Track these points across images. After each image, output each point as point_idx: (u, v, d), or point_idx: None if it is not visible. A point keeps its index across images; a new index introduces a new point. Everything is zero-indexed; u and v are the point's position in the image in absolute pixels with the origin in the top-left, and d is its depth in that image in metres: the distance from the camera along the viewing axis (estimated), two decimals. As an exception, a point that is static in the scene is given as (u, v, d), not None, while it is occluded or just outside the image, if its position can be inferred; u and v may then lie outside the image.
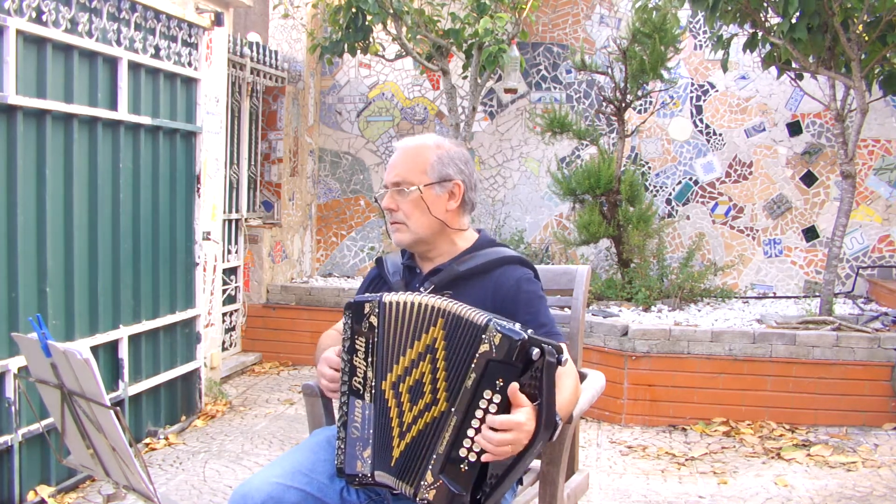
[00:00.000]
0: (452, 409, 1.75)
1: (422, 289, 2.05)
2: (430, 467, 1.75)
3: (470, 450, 1.72)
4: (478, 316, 1.78)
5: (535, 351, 1.71)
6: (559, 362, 1.76)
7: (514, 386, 1.70)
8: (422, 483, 1.75)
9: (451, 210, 2.12)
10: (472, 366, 1.73)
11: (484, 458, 1.71)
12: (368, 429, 1.87)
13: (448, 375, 1.78)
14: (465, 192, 2.13)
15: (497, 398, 1.71)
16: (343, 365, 1.93)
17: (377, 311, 1.89)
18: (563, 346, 1.86)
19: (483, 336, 1.73)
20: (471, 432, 1.72)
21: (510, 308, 2.02)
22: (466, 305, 1.84)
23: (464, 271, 2.08)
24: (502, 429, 1.69)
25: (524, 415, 1.71)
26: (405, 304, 1.87)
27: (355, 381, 1.90)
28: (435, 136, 2.17)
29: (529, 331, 1.74)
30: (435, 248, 2.14)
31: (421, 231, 2.09)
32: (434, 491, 1.74)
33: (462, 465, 1.72)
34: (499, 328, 1.72)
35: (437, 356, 1.81)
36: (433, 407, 1.79)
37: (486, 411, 1.71)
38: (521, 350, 1.70)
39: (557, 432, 1.81)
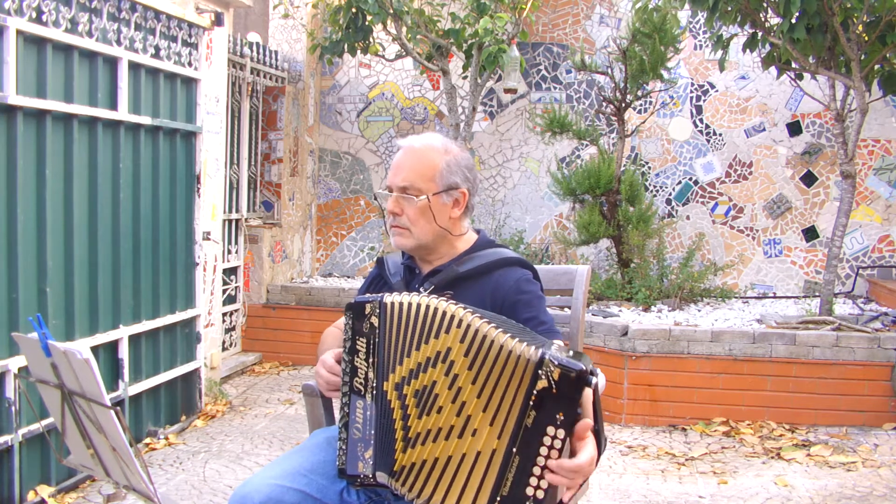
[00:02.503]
0: (514, 450, 1.69)
1: (421, 289, 2.04)
2: None
3: (537, 487, 1.68)
4: (523, 346, 1.70)
5: (593, 380, 1.66)
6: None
7: (587, 423, 1.66)
8: None
9: (455, 217, 2.11)
10: (531, 403, 1.68)
11: (566, 497, 1.68)
12: (370, 430, 1.87)
13: (488, 405, 1.72)
14: (469, 198, 2.12)
15: (561, 433, 1.66)
16: (344, 366, 1.92)
17: (378, 311, 1.88)
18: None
19: (540, 372, 1.66)
20: (536, 471, 1.68)
21: (509, 308, 2.01)
22: (491, 317, 1.79)
23: (463, 273, 2.07)
24: (579, 471, 1.65)
25: (591, 447, 1.68)
26: (408, 305, 1.86)
27: (356, 381, 1.89)
28: (441, 138, 2.13)
29: (572, 351, 1.71)
30: (435, 252, 2.13)
31: (424, 238, 2.09)
32: None
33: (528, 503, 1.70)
34: (555, 361, 1.66)
35: (456, 371, 1.77)
36: (471, 438, 1.74)
37: (550, 448, 1.67)
38: (580, 383, 1.65)
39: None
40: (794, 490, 3.71)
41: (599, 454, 1.71)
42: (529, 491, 1.68)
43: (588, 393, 1.66)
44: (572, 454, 1.67)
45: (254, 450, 4.22)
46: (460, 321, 1.79)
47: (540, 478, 1.68)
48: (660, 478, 3.89)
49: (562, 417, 1.66)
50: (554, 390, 1.66)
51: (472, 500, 1.73)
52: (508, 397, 1.71)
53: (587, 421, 1.66)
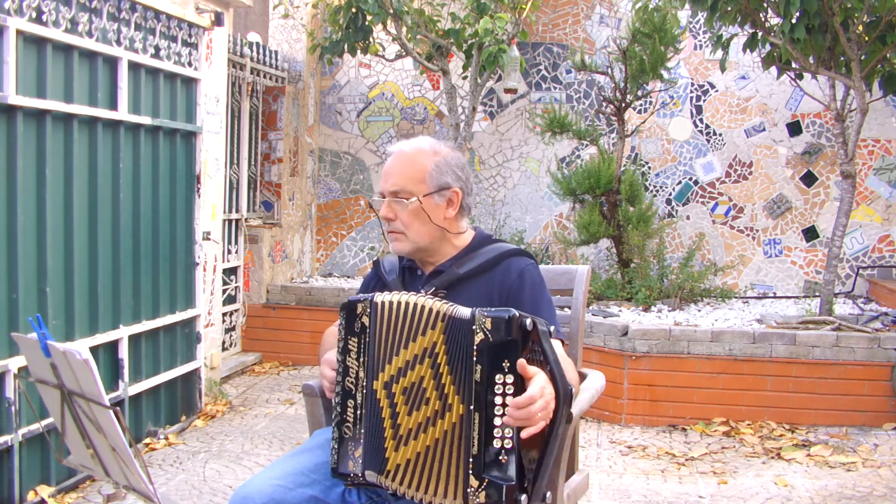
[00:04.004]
0: (472, 408, 1.73)
1: (423, 290, 2.05)
2: (471, 472, 1.73)
3: (503, 437, 1.71)
4: (463, 311, 1.79)
5: (528, 321, 1.73)
6: (549, 333, 1.80)
7: (522, 361, 1.70)
8: (468, 491, 1.73)
9: (450, 217, 2.11)
10: (475, 359, 1.74)
11: (523, 434, 1.69)
12: (360, 428, 1.88)
13: (455, 379, 1.78)
14: (462, 198, 2.12)
15: (510, 378, 1.71)
16: (337, 365, 1.93)
17: (369, 311, 1.89)
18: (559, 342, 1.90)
19: (474, 327, 1.74)
20: (497, 421, 1.71)
21: (515, 298, 2.04)
22: (454, 304, 1.84)
23: (466, 272, 2.08)
24: (532, 402, 1.68)
25: (541, 378, 1.72)
26: (398, 304, 1.87)
27: (348, 381, 1.91)
28: (430, 141, 2.14)
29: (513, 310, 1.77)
30: (436, 253, 2.14)
31: (420, 240, 2.09)
32: (484, 493, 1.72)
33: (501, 457, 1.71)
34: (485, 314, 1.74)
35: (439, 361, 1.80)
36: (448, 414, 1.77)
37: (504, 395, 1.72)
38: (514, 325, 1.72)
39: (575, 401, 1.81)
40: (794, 490, 3.71)
41: (558, 392, 1.74)
42: (497, 444, 1.72)
43: (539, 338, 1.74)
44: None
45: (254, 450, 4.22)
46: (444, 314, 1.81)
47: (502, 427, 1.71)
48: (660, 478, 3.89)
49: (508, 364, 1.72)
50: (491, 339, 1.72)
51: (454, 474, 1.76)
52: (462, 362, 1.77)
53: (522, 360, 1.70)
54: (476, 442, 1.73)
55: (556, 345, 2.02)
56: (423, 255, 2.14)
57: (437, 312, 1.82)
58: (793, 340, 4.60)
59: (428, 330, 1.82)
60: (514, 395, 1.71)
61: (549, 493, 1.81)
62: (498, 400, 1.71)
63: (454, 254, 2.14)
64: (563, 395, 1.74)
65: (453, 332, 1.79)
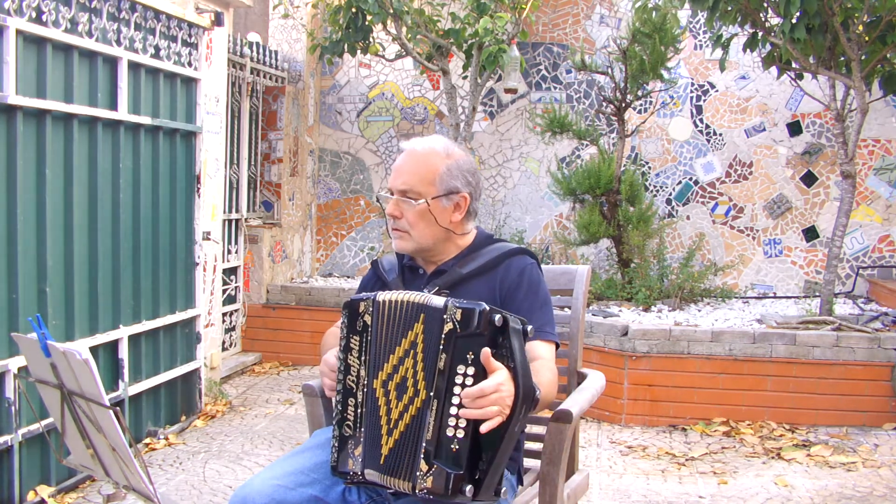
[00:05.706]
0: (431, 394, 1.75)
1: (426, 290, 2.05)
2: (423, 457, 1.74)
3: (456, 427, 1.72)
4: (437, 300, 1.80)
5: (498, 317, 1.73)
6: (525, 332, 1.78)
7: (486, 351, 1.70)
8: (417, 474, 1.74)
9: (456, 221, 2.12)
10: (441, 347, 1.75)
11: (483, 427, 1.69)
12: (360, 427, 1.89)
13: (425, 366, 1.80)
14: (470, 203, 2.12)
15: (471, 370, 1.72)
16: (339, 364, 1.94)
17: (371, 309, 1.90)
18: (553, 344, 1.92)
19: (445, 316, 1.76)
20: (453, 410, 1.72)
21: (512, 296, 2.05)
22: (429, 295, 1.85)
23: (469, 272, 2.09)
24: (482, 395, 1.68)
25: (501, 374, 1.71)
26: (398, 302, 1.88)
27: (349, 379, 1.91)
28: (444, 142, 2.13)
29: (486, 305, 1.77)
30: (438, 253, 2.14)
31: (424, 241, 2.10)
32: (431, 478, 1.72)
33: (453, 446, 1.72)
34: (457, 304, 1.76)
35: (418, 350, 1.82)
36: (416, 399, 1.79)
37: (463, 385, 1.72)
38: (483, 319, 1.73)
39: (538, 403, 1.79)
40: (795, 490, 3.71)
41: (518, 391, 1.72)
42: (450, 432, 1.72)
43: (512, 337, 1.73)
44: None
45: (254, 450, 4.22)
46: (423, 306, 1.83)
47: (457, 416, 1.72)
48: (660, 478, 3.89)
49: (472, 356, 1.73)
50: (459, 330, 1.74)
51: (411, 458, 1.77)
52: (432, 349, 1.78)
53: (486, 350, 1.70)
54: (430, 428, 1.74)
55: (548, 348, 2.03)
56: (426, 254, 2.14)
57: (418, 304, 1.84)
58: (793, 340, 4.60)
59: (415, 323, 1.84)
60: (473, 386, 1.71)
61: (503, 488, 1.81)
62: (457, 390, 1.72)
63: (457, 253, 2.14)
64: (524, 395, 1.73)
65: (429, 320, 1.81)
